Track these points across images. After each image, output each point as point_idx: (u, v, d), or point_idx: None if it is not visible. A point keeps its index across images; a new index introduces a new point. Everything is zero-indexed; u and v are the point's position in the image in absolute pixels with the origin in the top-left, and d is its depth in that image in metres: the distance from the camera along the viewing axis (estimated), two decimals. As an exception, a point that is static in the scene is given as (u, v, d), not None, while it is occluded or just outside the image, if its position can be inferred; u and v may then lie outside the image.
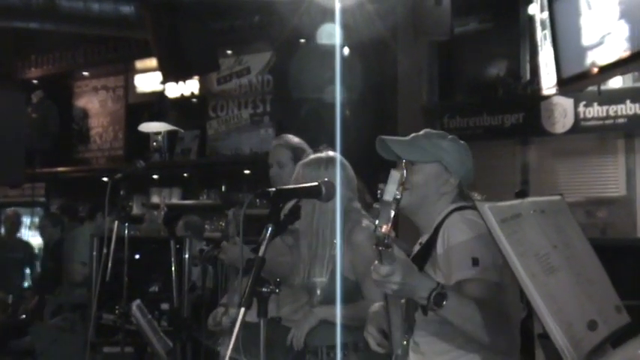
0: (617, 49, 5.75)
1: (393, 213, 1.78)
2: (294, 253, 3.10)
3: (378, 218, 1.79)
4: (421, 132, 2.42)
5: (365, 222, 2.95)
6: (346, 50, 7.04)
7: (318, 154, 3.07)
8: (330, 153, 3.07)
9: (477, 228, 2.09)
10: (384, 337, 2.28)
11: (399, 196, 1.80)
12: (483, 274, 2.06)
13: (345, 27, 6.38)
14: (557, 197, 2.18)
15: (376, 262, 1.84)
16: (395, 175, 1.83)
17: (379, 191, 1.86)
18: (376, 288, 1.96)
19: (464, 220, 2.19)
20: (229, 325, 3.78)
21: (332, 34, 6.32)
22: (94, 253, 5.62)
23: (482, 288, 2.04)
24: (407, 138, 2.39)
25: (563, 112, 7.14)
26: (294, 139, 3.79)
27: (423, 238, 2.34)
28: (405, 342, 2.19)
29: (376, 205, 1.84)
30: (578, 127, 7.07)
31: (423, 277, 1.93)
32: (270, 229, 2.08)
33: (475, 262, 2.08)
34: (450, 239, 2.17)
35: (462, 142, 2.43)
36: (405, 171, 1.83)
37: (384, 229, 1.77)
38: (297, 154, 3.65)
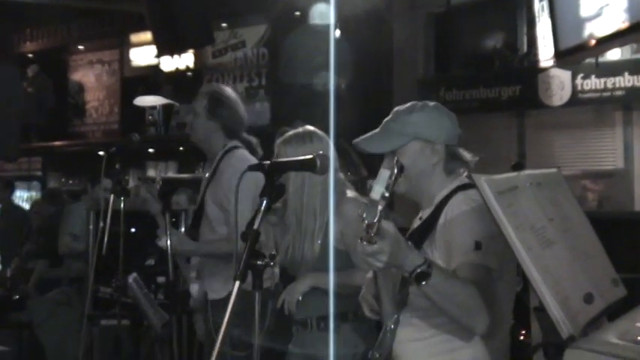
0: (615, 20, 5.71)
1: (380, 209, 1.79)
2: (277, 230, 3.09)
3: (365, 213, 1.81)
4: (390, 114, 2.39)
5: (350, 192, 2.96)
6: (338, 32, 6.99)
7: (296, 130, 3.04)
8: (308, 127, 3.04)
9: (481, 210, 2.07)
10: (378, 304, 2.29)
11: (387, 194, 1.81)
12: (484, 259, 2.05)
13: (318, 26, 6.32)
14: (554, 170, 2.17)
15: (362, 240, 1.83)
16: (384, 174, 1.86)
17: (369, 187, 1.88)
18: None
19: (468, 201, 2.16)
20: (192, 303, 3.81)
21: (325, 14, 6.27)
22: (91, 226, 5.62)
23: (480, 273, 2.03)
24: (378, 130, 2.36)
25: (560, 85, 7.11)
26: (220, 90, 3.71)
27: (424, 213, 2.32)
28: (396, 315, 2.19)
29: (365, 200, 1.86)
30: (576, 99, 7.05)
31: (410, 253, 1.92)
32: (265, 202, 2.07)
33: (478, 245, 2.06)
34: (454, 221, 2.15)
35: (432, 103, 2.37)
36: (395, 169, 1.85)
37: (370, 227, 1.80)
38: (213, 105, 3.60)
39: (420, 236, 2.23)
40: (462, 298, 1.96)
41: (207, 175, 3.69)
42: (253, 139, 3.70)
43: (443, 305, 1.99)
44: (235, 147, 3.61)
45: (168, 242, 3.38)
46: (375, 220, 1.79)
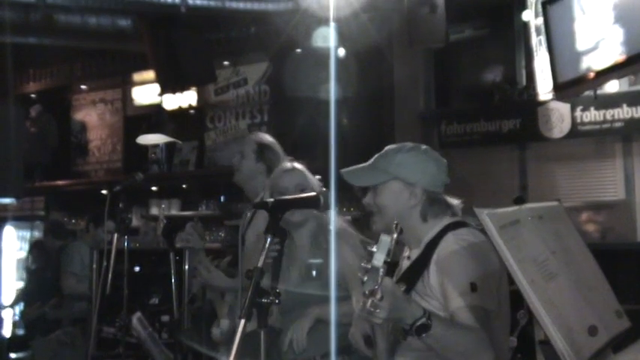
0: (612, 53, 5.77)
1: (381, 275, 1.83)
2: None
3: (367, 279, 1.85)
4: (383, 150, 2.41)
5: (331, 225, 3.00)
6: (341, 51, 7.05)
7: (284, 166, 3.10)
8: (297, 165, 3.10)
9: (473, 250, 2.08)
10: (369, 342, 2.29)
11: (388, 260, 1.85)
12: (481, 300, 2.06)
13: (341, 36, 6.40)
14: (555, 203, 2.18)
15: (363, 297, 1.86)
16: (385, 241, 1.89)
17: (368, 252, 1.92)
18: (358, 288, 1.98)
19: (459, 241, 2.17)
20: (218, 336, 3.82)
21: (327, 37, 6.34)
22: (94, 266, 5.62)
23: (478, 315, 2.04)
24: (367, 163, 2.39)
25: (560, 117, 7.15)
26: (267, 138, 3.87)
27: (412, 253, 2.32)
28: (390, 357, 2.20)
29: (365, 265, 1.88)
30: (576, 131, 7.08)
31: (409, 305, 1.93)
32: (269, 239, 2.08)
33: (474, 287, 2.07)
34: (447, 262, 2.15)
35: (424, 147, 2.39)
36: (395, 235, 1.88)
37: (372, 293, 1.83)
38: (262, 149, 3.75)
39: (412, 278, 2.22)
40: (463, 346, 1.97)
41: (248, 214, 3.74)
42: None
43: (445, 353, 1.99)
44: None
45: (172, 280, 3.39)
46: (377, 287, 1.83)
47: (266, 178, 3.70)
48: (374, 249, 1.90)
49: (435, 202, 2.30)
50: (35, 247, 7.89)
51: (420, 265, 2.23)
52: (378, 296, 1.83)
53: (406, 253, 2.37)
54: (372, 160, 2.39)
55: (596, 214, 6.76)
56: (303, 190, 2.93)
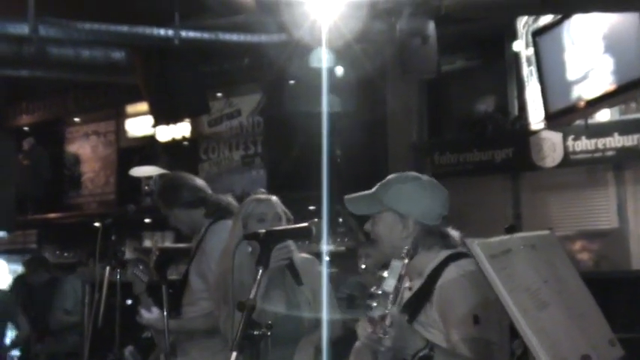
0: (602, 83, 5.82)
1: (391, 300, 1.83)
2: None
3: (376, 304, 1.85)
4: (386, 179, 2.41)
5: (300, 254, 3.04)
6: (339, 70, 7.07)
7: (258, 195, 3.11)
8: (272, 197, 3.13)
9: (475, 280, 2.06)
10: None
11: (399, 285, 1.85)
12: (483, 332, 2.04)
13: (334, 68, 6.44)
14: (547, 232, 2.18)
15: (375, 332, 1.85)
16: (396, 267, 1.88)
17: (379, 276, 1.91)
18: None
19: (461, 272, 2.16)
20: None
21: (325, 58, 6.39)
22: (86, 299, 5.58)
23: (480, 347, 2.03)
24: (369, 191, 2.39)
25: (552, 147, 7.19)
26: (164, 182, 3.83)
27: (414, 284, 2.32)
28: None
29: (375, 290, 1.88)
30: (568, 160, 7.11)
31: (412, 337, 1.92)
32: (260, 271, 2.07)
33: (476, 319, 2.06)
34: (449, 294, 2.14)
35: (425, 178, 2.38)
36: (406, 261, 1.88)
37: (382, 318, 1.83)
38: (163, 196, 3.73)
39: (414, 308, 2.21)
40: None
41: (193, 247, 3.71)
42: (223, 200, 3.73)
43: None
44: (219, 217, 3.63)
45: (165, 313, 3.36)
46: (387, 312, 1.82)
47: (196, 213, 3.68)
48: (385, 274, 1.89)
49: (430, 235, 2.29)
50: (17, 282, 7.78)
51: (422, 295, 2.22)
52: (388, 322, 1.82)
53: (407, 284, 2.36)
54: (374, 188, 2.39)
55: (590, 243, 6.77)
56: (280, 219, 2.94)
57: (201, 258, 3.54)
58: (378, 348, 1.87)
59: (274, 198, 3.10)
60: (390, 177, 2.39)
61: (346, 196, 2.40)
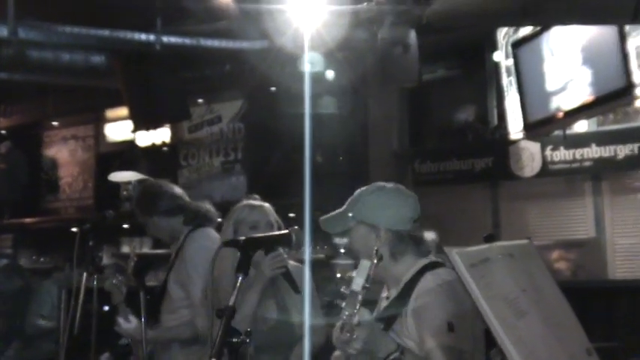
0: (580, 94, 5.88)
1: (360, 299, 1.84)
2: None
3: (345, 304, 1.85)
4: (354, 193, 2.43)
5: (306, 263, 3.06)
6: (330, 74, 7.08)
7: (250, 201, 3.10)
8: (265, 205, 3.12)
9: (451, 290, 2.08)
10: None
11: (367, 285, 1.86)
12: (457, 341, 2.06)
13: (315, 75, 6.45)
14: (526, 241, 2.19)
15: (343, 331, 1.85)
16: (364, 266, 1.90)
17: (348, 277, 1.92)
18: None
19: (437, 281, 2.17)
20: None
21: (316, 62, 6.39)
22: (62, 305, 5.52)
23: (453, 356, 2.04)
24: (340, 209, 2.43)
25: (530, 156, 7.23)
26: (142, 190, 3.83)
27: (390, 293, 2.33)
28: None
29: (344, 290, 1.89)
30: (546, 170, 7.16)
31: (383, 340, 1.94)
32: (240, 278, 2.07)
33: (451, 327, 2.07)
34: (425, 302, 2.15)
35: (389, 186, 2.40)
36: (375, 260, 1.89)
37: (350, 318, 1.83)
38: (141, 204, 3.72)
39: (390, 317, 2.22)
40: None
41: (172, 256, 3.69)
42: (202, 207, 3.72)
43: None
44: (198, 225, 3.62)
45: (143, 320, 3.34)
46: (356, 310, 1.82)
47: (175, 221, 3.66)
48: (353, 274, 1.90)
49: (403, 241, 2.30)
50: None
51: (398, 304, 2.24)
52: (355, 321, 1.83)
53: (384, 294, 2.37)
54: (345, 205, 2.41)
55: (568, 252, 6.81)
56: (272, 227, 2.93)
57: (181, 266, 3.53)
58: (349, 351, 1.88)
59: (267, 205, 3.10)
60: (358, 191, 2.42)
61: (321, 218, 2.43)
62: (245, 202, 3.10)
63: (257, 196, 3.14)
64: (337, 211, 2.42)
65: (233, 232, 2.96)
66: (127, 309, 3.49)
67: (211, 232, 3.58)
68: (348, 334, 1.84)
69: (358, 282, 1.89)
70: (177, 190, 3.77)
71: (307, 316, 2.74)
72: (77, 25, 6.21)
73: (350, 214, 2.34)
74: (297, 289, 2.93)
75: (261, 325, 2.90)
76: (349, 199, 2.41)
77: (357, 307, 1.84)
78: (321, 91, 7.42)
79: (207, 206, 3.70)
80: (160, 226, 3.67)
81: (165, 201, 3.67)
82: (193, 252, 3.43)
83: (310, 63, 6.21)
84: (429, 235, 2.38)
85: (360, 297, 1.86)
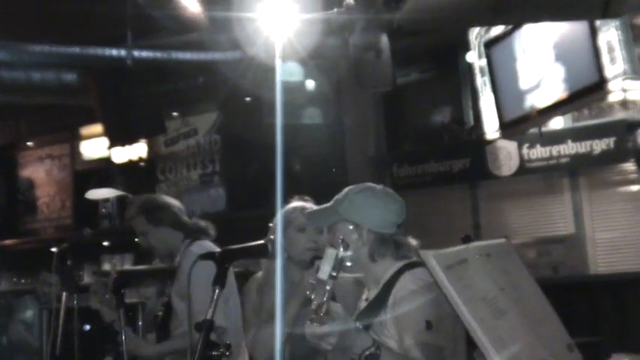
0: (554, 91, 5.91)
1: (328, 289, 1.82)
2: None
3: (313, 293, 1.84)
4: (343, 191, 2.43)
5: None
6: (310, 84, 7.07)
7: (300, 203, 3.04)
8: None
9: (430, 289, 2.08)
10: None
11: (334, 274, 1.85)
12: (435, 338, 2.06)
13: (288, 83, 6.45)
14: (503, 240, 2.19)
15: (313, 321, 1.84)
16: (330, 254, 1.89)
17: (315, 267, 1.92)
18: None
19: (416, 280, 2.18)
20: None
21: (294, 72, 6.39)
22: (44, 326, 5.47)
23: (431, 352, 2.04)
24: (327, 204, 2.42)
25: (507, 155, 7.27)
26: (151, 201, 3.82)
27: (370, 294, 2.33)
28: None
29: (312, 281, 1.88)
30: (524, 168, 7.20)
31: (359, 336, 1.93)
32: (217, 291, 2.05)
33: (429, 325, 2.08)
34: (403, 301, 2.16)
35: (378, 188, 2.41)
36: (341, 249, 1.88)
37: (319, 307, 1.82)
38: (152, 215, 3.68)
39: (369, 317, 2.22)
40: None
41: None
42: (202, 224, 3.73)
43: None
44: (195, 238, 3.62)
45: (123, 337, 3.31)
46: (325, 299, 1.81)
47: (177, 234, 3.66)
48: (320, 263, 1.90)
49: (384, 244, 2.31)
50: None
51: (377, 304, 2.24)
52: (324, 310, 1.82)
53: (364, 296, 2.38)
54: (332, 201, 2.42)
55: (547, 249, 6.85)
56: (321, 233, 2.80)
57: (180, 278, 3.51)
58: (324, 346, 1.87)
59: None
60: (347, 189, 2.42)
61: (306, 212, 2.42)
62: (297, 202, 2.96)
63: (308, 198, 3.01)
64: (324, 205, 2.42)
65: (281, 234, 2.83)
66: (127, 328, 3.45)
67: (208, 244, 3.59)
68: (318, 324, 1.82)
69: (325, 270, 1.88)
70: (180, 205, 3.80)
71: (279, 322, 2.69)
72: (48, 43, 6.17)
73: (336, 210, 2.33)
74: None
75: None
76: (337, 196, 2.41)
77: (326, 296, 1.83)
78: (295, 99, 7.41)
79: (204, 222, 3.73)
80: (163, 238, 3.66)
81: (171, 213, 3.69)
82: (188, 265, 3.42)
83: (288, 73, 6.21)
84: (412, 241, 2.38)
85: (327, 287, 1.84)
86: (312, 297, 1.85)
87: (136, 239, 3.81)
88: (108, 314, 3.48)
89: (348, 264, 2.20)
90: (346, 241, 1.97)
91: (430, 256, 1.77)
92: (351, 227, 2.31)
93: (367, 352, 1.91)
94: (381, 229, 2.31)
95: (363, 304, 2.35)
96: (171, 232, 3.66)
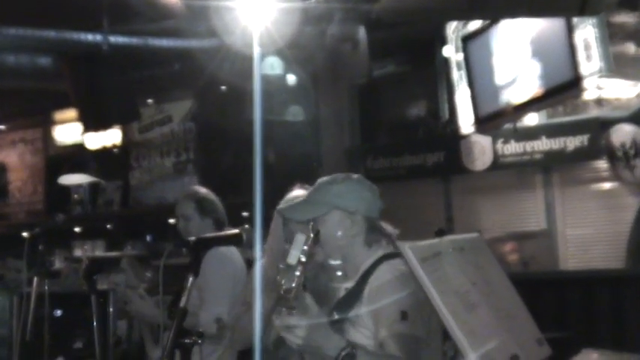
0: (530, 87, 5.96)
1: (298, 274, 1.82)
2: None
3: (283, 279, 1.84)
4: (315, 184, 2.44)
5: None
6: (292, 78, 7.05)
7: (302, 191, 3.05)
8: None
9: (406, 280, 2.09)
10: None
11: (303, 259, 1.84)
12: (411, 328, 2.07)
13: (265, 73, 6.44)
14: (475, 235, 2.22)
15: (281, 306, 1.84)
16: (300, 239, 1.89)
17: (285, 252, 1.92)
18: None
19: (393, 270, 2.19)
20: None
21: (275, 64, 6.37)
22: (14, 311, 5.40)
23: (407, 343, 2.05)
24: (302, 199, 2.42)
25: (482, 150, 7.31)
26: (201, 191, 3.90)
27: (348, 284, 2.34)
28: None
29: (282, 266, 1.88)
30: (498, 163, 7.25)
31: (331, 335, 1.93)
32: (191, 279, 2.05)
33: (404, 315, 2.09)
34: (380, 291, 2.17)
35: (356, 176, 2.44)
36: (311, 234, 1.88)
37: (287, 292, 1.82)
38: (202, 205, 3.79)
39: (346, 307, 2.23)
40: None
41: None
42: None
43: None
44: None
45: (95, 323, 3.31)
46: (293, 285, 1.81)
47: (214, 231, 3.70)
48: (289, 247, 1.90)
49: (375, 229, 2.34)
50: None
51: (354, 294, 2.25)
52: (292, 294, 1.82)
53: (345, 285, 2.38)
54: (306, 195, 2.41)
55: (519, 244, 6.91)
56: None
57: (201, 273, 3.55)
58: (293, 340, 1.87)
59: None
60: (320, 181, 2.42)
61: (282, 207, 2.42)
62: (296, 191, 2.89)
63: (308, 187, 2.96)
64: (299, 200, 2.42)
65: (283, 224, 2.78)
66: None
67: (232, 249, 3.68)
68: (289, 318, 1.83)
69: (294, 255, 1.88)
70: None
71: (258, 315, 2.70)
72: (23, 26, 6.10)
73: (324, 201, 2.33)
74: None
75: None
76: (312, 189, 2.41)
77: (295, 281, 1.83)
78: (272, 90, 7.39)
79: (238, 229, 3.83)
80: (203, 230, 3.70)
81: (220, 213, 3.84)
82: (209, 257, 3.43)
83: (266, 65, 6.20)
84: (390, 228, 2.40)
85: (297, 272, 1.84)
86: (282, 282, 1.85)
87: (172, 220, 3.93)
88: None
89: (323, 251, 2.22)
90: (317, 227, 1.98)
91: (407, 248, 1.79)
92: (343, 215, 2.32)
93: (344, 353, 1.91)
94: (372, 214, 2.35)
95: (342, 293, 2.36)
96: (210, 228, 3.73)
